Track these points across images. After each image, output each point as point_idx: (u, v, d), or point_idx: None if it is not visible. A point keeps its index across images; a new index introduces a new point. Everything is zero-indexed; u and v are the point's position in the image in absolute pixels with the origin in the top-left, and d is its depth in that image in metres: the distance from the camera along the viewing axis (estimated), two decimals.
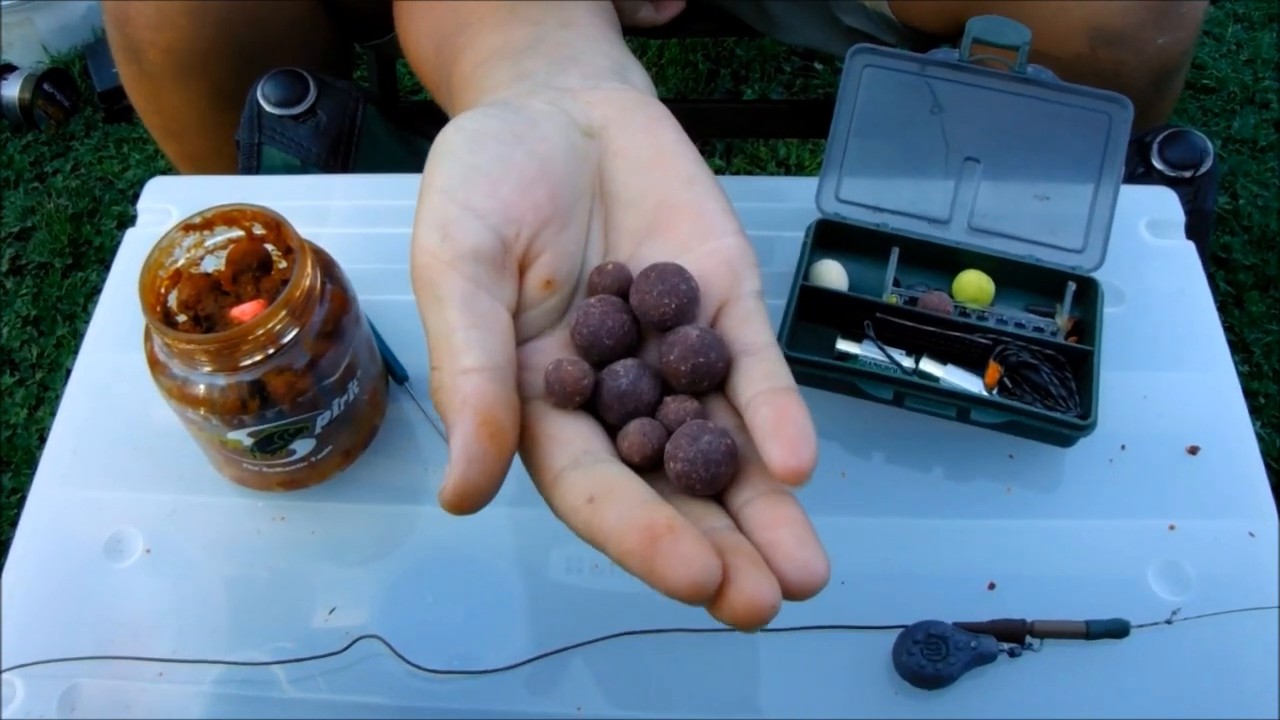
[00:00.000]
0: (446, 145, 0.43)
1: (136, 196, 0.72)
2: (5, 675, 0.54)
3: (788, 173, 1.57)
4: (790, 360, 0.59)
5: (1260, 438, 0.56)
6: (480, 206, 0.41)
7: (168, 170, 1.40)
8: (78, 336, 1.41)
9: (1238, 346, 1.36)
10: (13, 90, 1.61)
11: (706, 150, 1.60)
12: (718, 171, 1.58)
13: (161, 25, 0.81)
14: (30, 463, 1.30)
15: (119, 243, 0.70)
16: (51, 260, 1.49)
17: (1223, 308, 0.62)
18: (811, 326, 0.63)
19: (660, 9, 0.94)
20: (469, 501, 0.36)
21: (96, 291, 1.43)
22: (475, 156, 0.43)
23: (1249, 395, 0.62)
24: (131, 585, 0.58)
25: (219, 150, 0.90)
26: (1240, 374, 0.62)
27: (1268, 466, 0.60)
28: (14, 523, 0.60)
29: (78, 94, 1.69)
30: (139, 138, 1.63)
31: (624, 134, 0.46)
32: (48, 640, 0.56)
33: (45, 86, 1.63)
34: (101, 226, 1.53)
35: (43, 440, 0.85)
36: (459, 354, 0.38)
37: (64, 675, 0.55)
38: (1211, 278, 0.66)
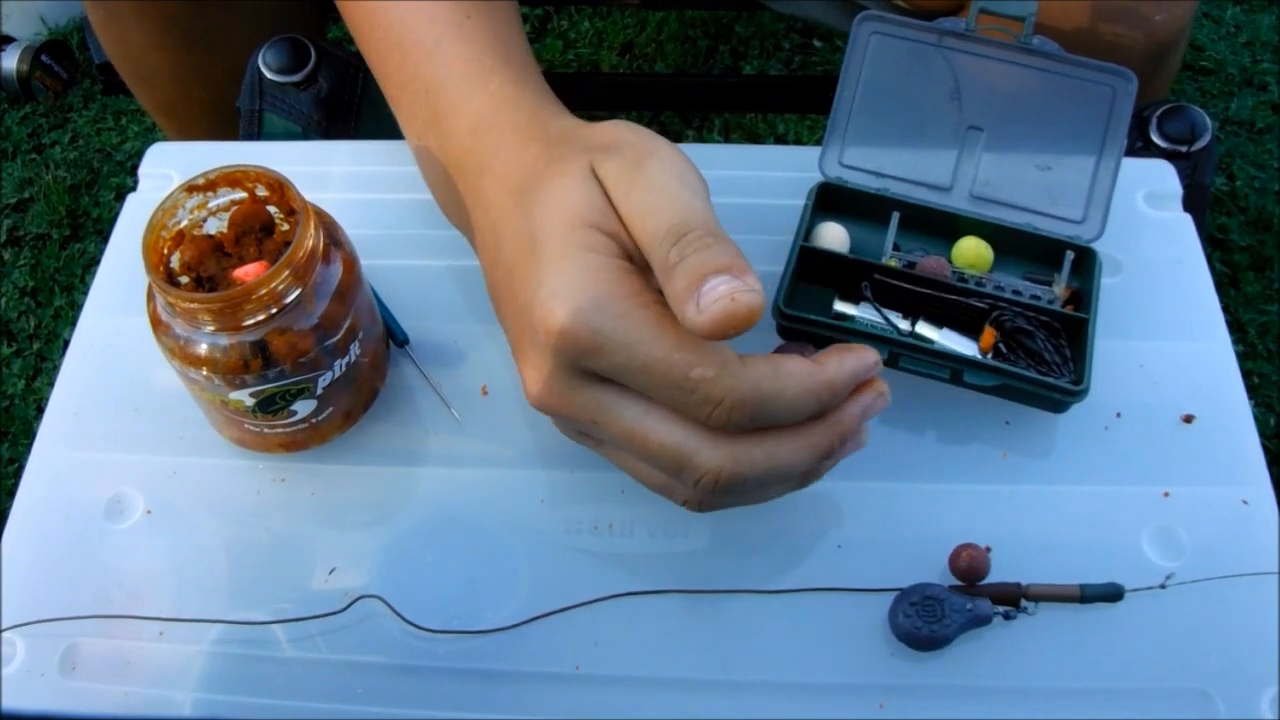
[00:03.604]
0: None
1: (134, 168, 0.72)
2: (6, 634, 0.55)
3: None
4: (787, 319, 0.59)
5: (1255, 418, 0.56)
6: None
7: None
8: (75, 307, 1.41)
9: (1233, 326, 1.36)
10: (11, 62, 1.61)
11: (705, 126, 1.60)
12: None
13: None
14: (28, 433, 1.30)
15: (117, 214, 0.70)
16: (49, 231, 1.49)
17: (1219, 288, 0.63)
18: (810, 288, 0.63)
19: None
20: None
21: (94, 263, 1.44)
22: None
23: (1244, 375, 0.62)
24: (132, 546, 0.58)
25: (190, 97, 0.90)
26: (1235, 354, 0.63)
27: (1263, 445, 0.60)
28: (12, 492, 0.60)
29: (76, 66, 1.68)
30: (136, 110, 1.63)
31: None
32: (48, 600, 0.56)
33: (43, 58, 1.63)
34: (99, 198, 1.53)
35: (40, 410, 0.85)
36: None
37: (64, 634, 0.55)
38: (1208, 258, 0.66)
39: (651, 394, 0.46)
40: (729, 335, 0.42)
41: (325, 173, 0.71)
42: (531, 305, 0.46)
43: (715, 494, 0.47)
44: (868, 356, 0.48)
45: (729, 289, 0.42)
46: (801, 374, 0.46)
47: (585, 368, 0.46)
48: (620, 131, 0.51)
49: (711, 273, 0.43)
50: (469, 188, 0.56)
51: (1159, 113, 0.75)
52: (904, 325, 0.61)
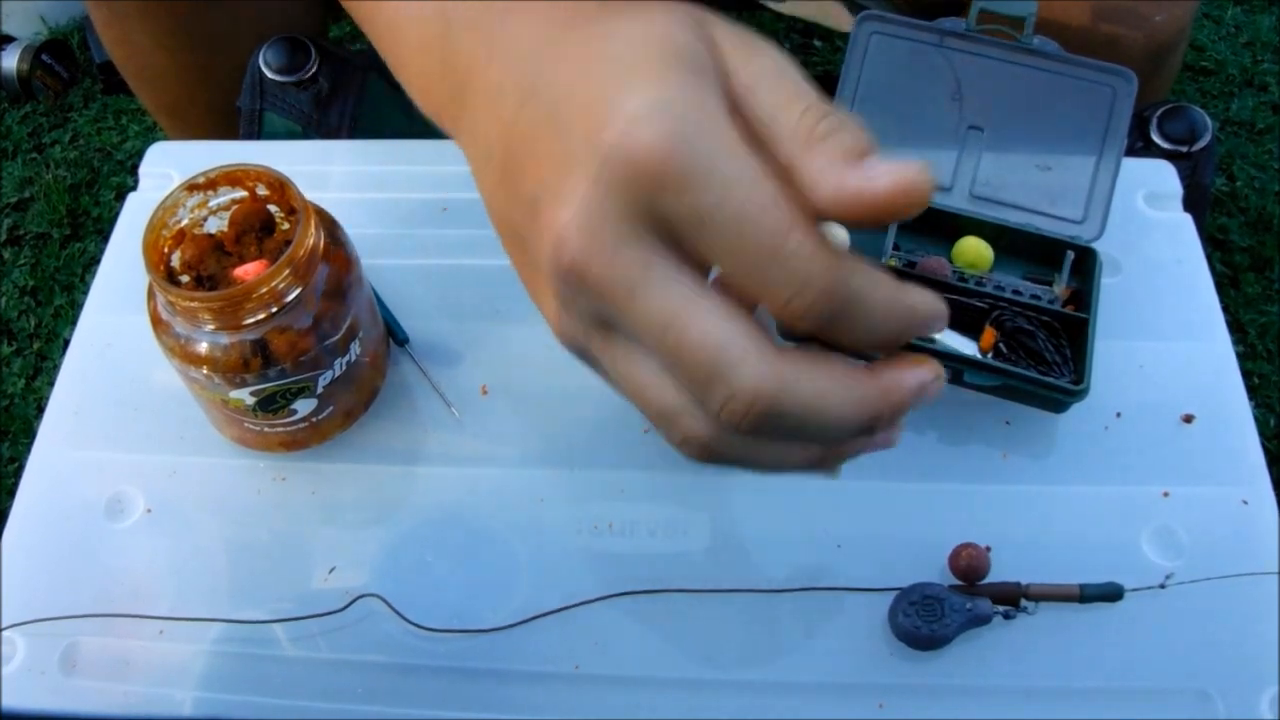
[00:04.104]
0: None
1: (135, 168, 0.72)
2: (6, 634, 0.55)
3: None
4: None
5: (1255, 418, 0.56)
6: None
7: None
8: (75, 307, 1.41)
9: (1233, 327, 1.36)
10: (11, 61, 1.60)
11: None
12: None
13: None
14: (28, 432, 1.30)
15: (117, 213, 0.70)
16: (50, 231, 1.49)
17: (1219, 288, 0.63)
18: None
19: None
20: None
21: (94, 262, 1.43)
22: None
23: (1244, 375, 0.62)
24: (132, 545, 0.58)
25: (192, 97, 0.90)
26: (1235, 355, 0.63)
27: (1263, 446, 0.60)
28: (12, 491, 0.60)
29: (76, 65, 1.68)
30: (137, 109, 1.62)
31: None
32: (48, 599, 0.56)
33: (44, 57, 1.63)
34: (100, 197, 1.53)
35: (40, 409, 0.85)
36: None
37: (64, 633, 0.55)
38: (1208, 259, 0.66)
39: (726, 258, 0.36)
40: (899, 214, 0.36)
41: (325, 172, 0.71)
42: (604, 125, 0.36)
43: (736, 431, 0.39)
44: (942, 305, 0.40)
45: (903, 164, 0.36)
46: (890, 285, 0.38)
47: (655, 210, 0.36)
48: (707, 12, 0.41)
49: (869, 154, 0.37)
50: (481, 37, 0.44)
51: (1159, 113, 0.75)
52: None
